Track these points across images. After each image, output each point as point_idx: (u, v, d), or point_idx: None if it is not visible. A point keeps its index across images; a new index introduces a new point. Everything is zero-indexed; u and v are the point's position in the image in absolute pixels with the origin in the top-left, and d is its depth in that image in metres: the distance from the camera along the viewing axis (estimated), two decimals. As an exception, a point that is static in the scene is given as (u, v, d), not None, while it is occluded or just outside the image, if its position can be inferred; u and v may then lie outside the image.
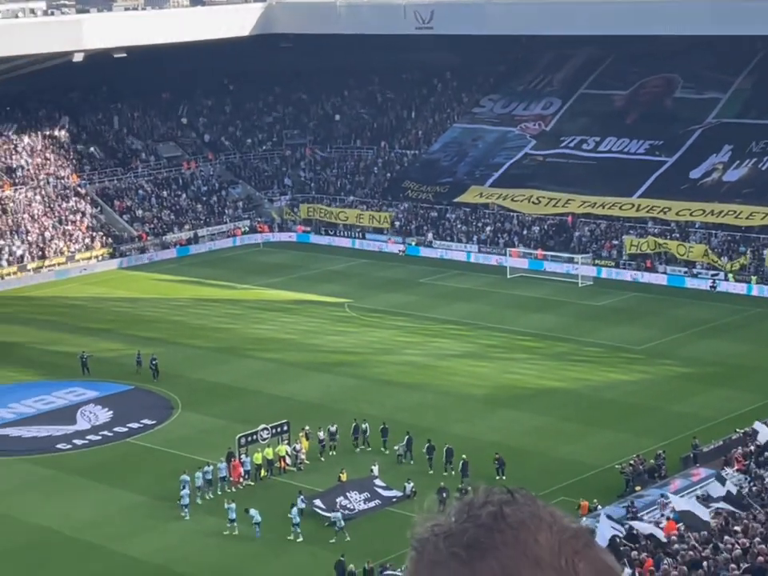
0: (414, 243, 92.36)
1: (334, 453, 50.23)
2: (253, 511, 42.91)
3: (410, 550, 2.01)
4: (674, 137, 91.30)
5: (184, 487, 45.03)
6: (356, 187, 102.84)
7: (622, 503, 41.32)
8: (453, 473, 46.67)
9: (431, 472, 47.59)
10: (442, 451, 47.62)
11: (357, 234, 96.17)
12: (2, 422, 56.30)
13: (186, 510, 44.62)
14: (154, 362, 61.02)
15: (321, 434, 50.26)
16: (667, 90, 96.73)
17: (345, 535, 42.18)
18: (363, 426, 50.88)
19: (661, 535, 32.15)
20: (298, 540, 42.33)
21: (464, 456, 46.49)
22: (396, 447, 49.44)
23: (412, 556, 2.00)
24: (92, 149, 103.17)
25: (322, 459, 49.86)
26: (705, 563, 28.50)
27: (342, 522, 42.45)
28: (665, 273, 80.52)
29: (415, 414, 53.51)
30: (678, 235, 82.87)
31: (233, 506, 43.50)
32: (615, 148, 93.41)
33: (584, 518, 37.64)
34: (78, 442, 53.28)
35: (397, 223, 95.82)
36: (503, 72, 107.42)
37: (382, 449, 50.16)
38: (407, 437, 49.10)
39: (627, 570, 27.04)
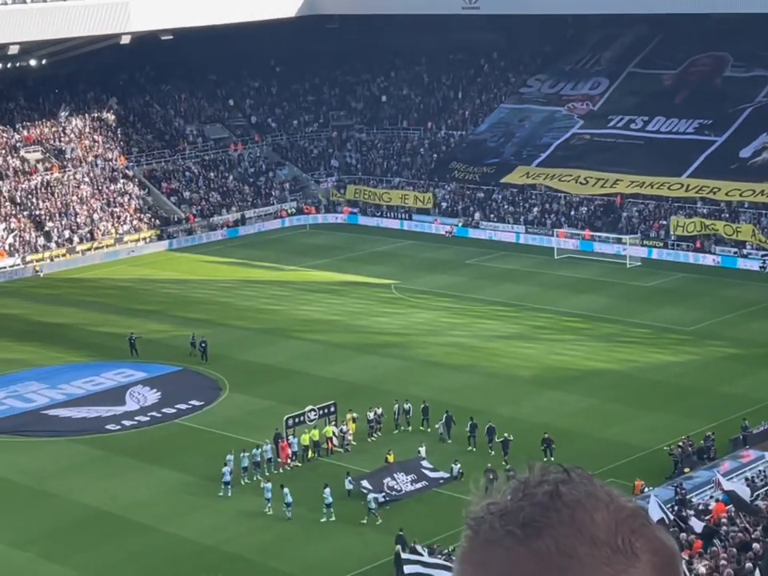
0: (460, 224, 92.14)
1: (380, 434, 50.22)
2: (285, 490, 43.17)
3: (465, 528, 2.01)
4: (723, 116, 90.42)
5: (226, 464, 45.31)
6: (402, 168, 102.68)
7: (671, 485, 41.08)
8: (492, 452, 47.02)
9: (472, 449, 47.96)
10: (483, 429, 47.90)
11: (404, 216, 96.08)
12: (52, 402, 56.76)
13: (228, 487, 44.79)
14: (203, 345, 61.26)
15: (370, 415, 50.29)
16: (717, 69, 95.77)
17: (377, 518, 42.23)
18: (405, 406, 50.94)
19: (699, 527, 31.79)
20: (331, 519, 42.44)
21: (506, 434, 46.75)
22: (436, 426, 49.69)
23: (467, 534, 1.99)
24: (139, 131, 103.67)
25: (373, 438, 49.86)
26: (755, 545, 28.29)
27: (373, 504, 42.45)
28: (714, 253, 79.90)
29: (461, 396, 53.40)
30: (727, 215, 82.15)
31: (268, 485, 43.87)
32: (664, 128, 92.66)
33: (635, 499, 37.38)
34: (126, 422, 53.64)
35: (444, 204, 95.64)
36: (550, 52, 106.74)
37: (421, 427, 50.45)
38: (445, 415, 49.37)
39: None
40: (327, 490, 42.79)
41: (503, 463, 45.00)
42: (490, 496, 2.03)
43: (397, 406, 50.87)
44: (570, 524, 1.93)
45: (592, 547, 1.92)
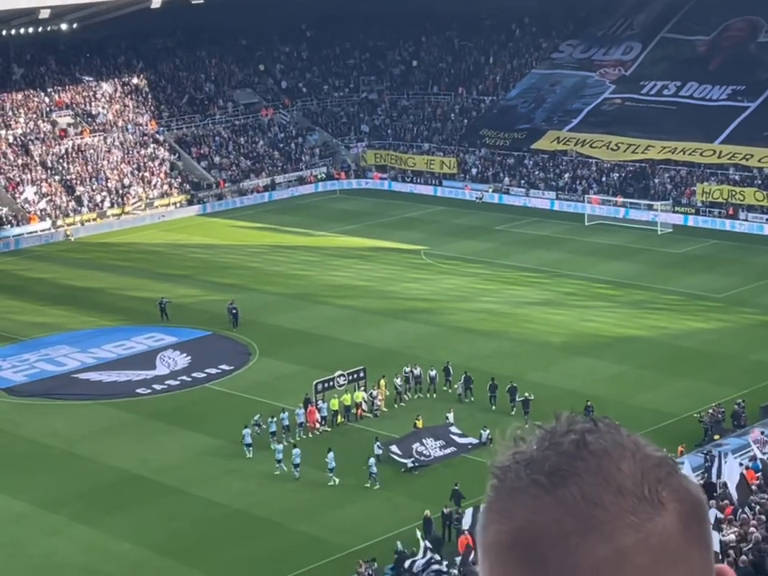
0: (491, 190, 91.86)
1: (409, 396, 50.33)
2: (295, 451, 43.52)
3: (490, 477, 2.02)
4: (757, 82, 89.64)
5: (247, 426, 45.66)
6: (432, 134, 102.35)
7: (701, 452, 40.96)
8: (513, 412, 47.63)
9: (494, 408, 48.52)
10: (504, 390, 48.57)
11: (434, 181, 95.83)
12: (83, 366, 57.06)
13: (250, 449, 45.02)
14: (233, 311, 61.11)
15: (397, 381, 50.37)
16: (751, 35, 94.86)
17: (375, 482, 42.49)
18: (431, 373, 51.02)
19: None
20: (375, 487, 42.58)
21: (526, 394, 47.33)
22: (456, 386, 50.21)
23: (493, 483, 2.00)
24: (170, 96, 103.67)
25: (403, 404, 49.95)
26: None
27: (374, 468, 42.55)
28: (746, 220, 79.38)
29: (491, 362, 53.34)
30: (759, 182, 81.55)
31: (279, 447, 44.31)
32: (697, 94, 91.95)
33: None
34: (157, 386, 53.89)
35: (474, 170, 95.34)
36: (583, 17, 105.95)
37: (444, 387, 50.82)
38: (464, 375, 49.99)
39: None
40: (330, 455, 43.02)
41: (524, 423, 44.95)
42: (515, 445, 2.03)
43: (415, 371, 50.94)
44: (596, 473, 1.93)
45: (618, 496, 1.91)
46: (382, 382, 50.04)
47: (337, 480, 42.78)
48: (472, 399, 49.62)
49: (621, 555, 1.88)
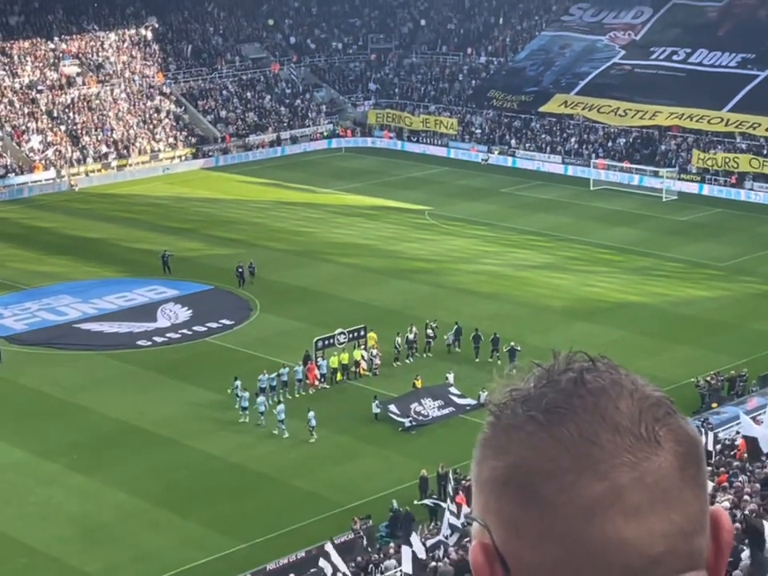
0: (497, 152, 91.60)
1: (411, 360, 50.47)
2: (279, 407, 43.86)
3: (487, 414, 2.02)
4: (767, 50, 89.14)
5: (245, 389, 45.30)
6: (440, 94, 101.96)
7: (697, 419, 41.05)
8: (499, 361, 48.65)
9: (477, 360, 49.59)
10: (488, 340, 50.05)
11: (439, 142, 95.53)
12: (84, 316, 57.15)
13: (245, 412, 44.93)
14: (240, 269, 60.72)
15: (398, 340, 50.42)
16: (762, 2, 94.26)
17: (312, 435, 43.17)
18: (428, 331, 51.26)
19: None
20: (311, 440, 43.11)
21: (512, 343, 48.57)
22: (445, 337, 50.85)
23: (489, 420, 2.01)
24: (177, 49, 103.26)
25: (398, 363, 50.07)
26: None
27: (313, 422, 42.97)
28: (752, 189, 79.22)
29: (491, 324, 53.32)
30: (766, 151, 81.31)
31: (245, 394, 44.58)
32: (706, 60, 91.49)
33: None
34: (157, 339, 53.98)
35: (478, 131, 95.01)
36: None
37: (457, 349, 51.22)
38: (456, 326, 50.87)
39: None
40: (311, 413, 43.29)
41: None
42: (512, 383, 2.02)
43: (410, 332, 51.16)
44: (593, 411, 1.93)
45: (614, 434, 1.91)
46: (372, 334, 50.01)
47: (316, 436, 43.07)
48: (458, 350, 50.81)
49: (616, 493, 1.89)
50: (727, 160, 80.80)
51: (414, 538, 31.20)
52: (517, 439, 1.94)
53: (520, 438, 1.93)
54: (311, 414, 43.49)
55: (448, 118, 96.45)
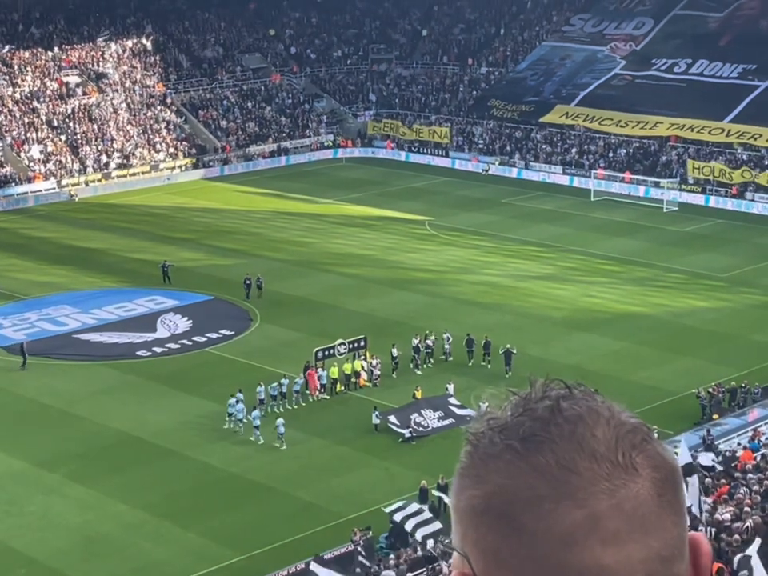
0: (497, 163, 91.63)
1: (422, 368, 50.41)
2: (255, 413, 43.78)
3: (465, 444, 2.02)
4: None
5: (239, 401, 44.89)
6: (441, 104, 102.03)
7: (698, 431, 40.97)
8: (490, 365, 49.60)
9: (470, 364, 50.27)
10: (481, 345, 50.71)
11: (440, 152, 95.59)
12: (84, 327, 57.09)
13: (241, 425, 44.63)
14: (247, 281, 60.34)
15: (395, 351, 50.32)
16: (763, 12, 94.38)
17: (282, 443, 43.23)
18: (428, 342, 51.28)
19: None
20: (260, 442, 43.34)
21: (508, 345, 49.10)
22: (444, 336, 51.35)
23: (467, 450, 2.01)
24: (178, 59, 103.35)
25: (393, 376, 50.02)
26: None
27: (282, 429, 43.13)
28: (752, 200, 79.24)
29: (492, 334, 53.17)
30: (767, 162, 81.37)
31: (256, 413, 44.19)
32: (707, 71, 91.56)
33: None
34: (157, 349, 53.92)
35: (480, 142, 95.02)
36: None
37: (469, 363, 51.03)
38: (467, 338, 51.19)
39: (703, 498, 26.88)
40: (255, 412, 43.79)
41: (506, 374, 48.28)
42: (491, 413, 2.02)
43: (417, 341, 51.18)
44: (570, 438, 1.93)
45: (592, 462, 1.91)
46: (368, 354, 50.00)
47: (285, 446, 43.17)
48: (451, 359, 51.05)
49: (594, 520, 1.88)
50: (723, 171, 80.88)
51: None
52: (495, 468, 1.94)
53: (498, 467, 1.93)
54: (280, 420, 43.63)
55: (440, 128, 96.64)
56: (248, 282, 60.23)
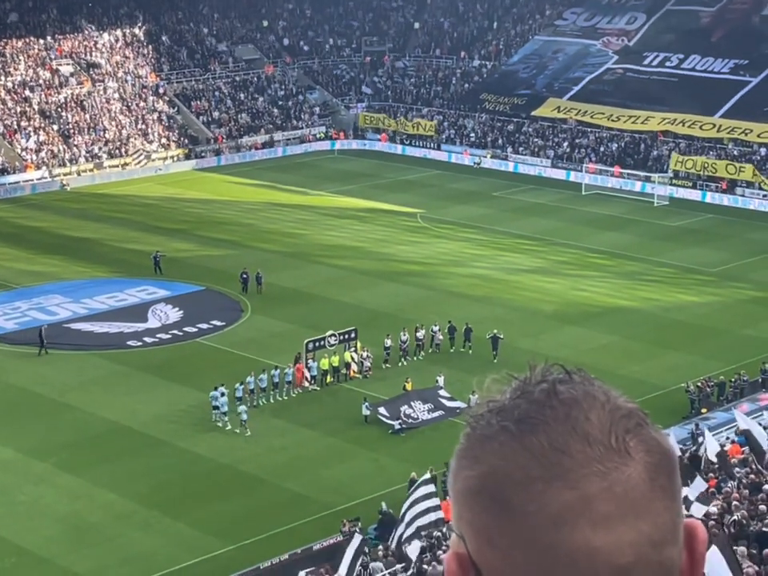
0: (489, 156, 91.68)
1: (404, 361, 50.52)
2: (241, 408, 43.98)
3: (464, 426, 2.06)
4: (760, 56, 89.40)
5: (223, 395, 44.68)
6: (434, 97, 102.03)
7: (687, 425, 41.13)
8: (470, 351, 51.01)
9: (452, 350, 51.30)
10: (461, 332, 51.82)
11: (431, 145, 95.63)
12: (75, 316, 57.09)
13: (226, 418, 44.54)
14: (244, 276, 59.86)
15: (387, 342, 50.43)
16: (755, 8, 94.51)
17: (246, 430, 43.57)
18: (417, 334, 51.49)
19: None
20: (227, 428, 43.75)
21: (495, 330, 50.25)
22: (432, 327, 51.94)
23: (465, 432, 2.04)
24: (171, 49, 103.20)
25: (388, 366, 50.09)
26: (765, 486, 28.36)
27: (245, 416, 43.61)
28: (743, 195, 79.41)
29: (482, 327, 53.25)
30: (758, 158, 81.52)
31: (243, 407, 44.28)
32: (699, 66, 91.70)
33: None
34: (148, 339, 53.95)
35: (473, 135, 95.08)
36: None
37: (451, 349, 51.22)
38: (465, 327, 51.94)
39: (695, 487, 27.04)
40: (242, 407, 44.01)
41: (493, 360, 49.19)
42: (491, 396, 2.06)
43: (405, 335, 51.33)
44: (564, 421, 1.96)
45: (584, 444, 1.94)
46: (359, 345, 50.07)
47: (249, 432, 43.58)
48: (470, 352, 51.55)
49: (585, 502, 1.91)
50: (706, 164, 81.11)
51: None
52: (490, 449, 1.97)
53: (493, 448, 1.97)
54: (242, 407, 43.88)
55: (426, 121, 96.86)
56: (245, 276, 59.83)
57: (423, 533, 31.94)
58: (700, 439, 35.46)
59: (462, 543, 1.99)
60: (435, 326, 51.91)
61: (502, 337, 49.86)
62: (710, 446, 32.95)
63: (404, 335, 50.96)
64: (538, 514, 1.91)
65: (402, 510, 32.58)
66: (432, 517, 32.18)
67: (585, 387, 2.02)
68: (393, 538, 32.45)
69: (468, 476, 1.98)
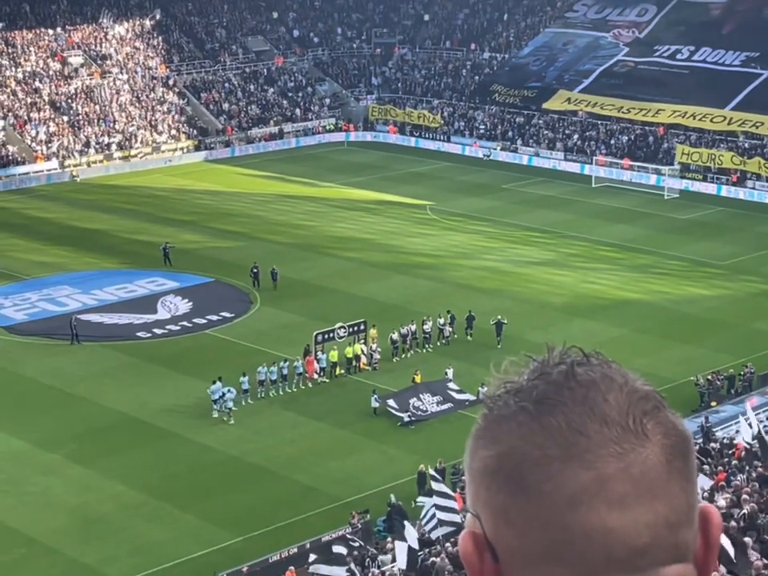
0: (498, 148, 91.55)
1: (410, 353, 50.49)
2: (229, 395, 44.17)
3: (481, 407, 2.06)
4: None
5: (230, 391, 44.70)
6: (443, 89, 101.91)
7: (696, 418, 41.05)
8: (470, 338, 51.42)
9: (456, 336, 51.75)
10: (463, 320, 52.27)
11: (441, 137, 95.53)
12: (85, 307, 57.15)
13: (231, 413, 44.62)
14: (254, 270, 59.30)
15: (394, 335, 50.40)
16: (766, 0, 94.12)
17: (230, 417, 43.86)
18: (425, 327, 51.54)
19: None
20: (230, 422, 43.82)
21: (499, 316, 50.90)
22: (439, 318, 52.18)
23: (482, 412, 2.05)
24: (181, 41, 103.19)
25: (397, 359, 50.06)
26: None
27: (231, 404, 44.01)
28: (753, 188, 79.22)
29: (491, 319, 53.35)
30: (764, 151, 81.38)
31: (226, 390, 44.49)
32: (710, 58, 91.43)
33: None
34: (157, 331, 54.00)
35: (483, 127, 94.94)
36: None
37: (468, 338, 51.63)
38: (440, 320, 52.24)
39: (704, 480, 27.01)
40: (229, 395, 44.26)
41: (497, 345, 49.86)
42: (508, 377, 2.07)
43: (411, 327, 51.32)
44: (582, 402, 1.97)
45: (602, 425, 1.95)
46: (373, 331, 50.05)
47: (232, 420, 43.99)
48: (469, 338, 51.87)
49: (601, 482, 1.92)
50: (712, 156, 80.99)
51: (409, 530, 31.07)
52: (507, 429, 1.98)
53: (510, 428, 1.97)
54: (229, 395, 44.08)
55: (429, 113, 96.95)
56: (255, 270, 59.40)
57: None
58: (742, 420, 35.82)
59: (478, 523, 2.00)
60: (440, 318, 51.90)
61: (506, 322, 50.50)
62: (746, 431, 33.16)
63: (411, 326, 50.88)
64: (554, 493, 1.92)
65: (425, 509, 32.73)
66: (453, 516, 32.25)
67: (603, 369, 2.03)
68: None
69: (485, 456, 1.99)
